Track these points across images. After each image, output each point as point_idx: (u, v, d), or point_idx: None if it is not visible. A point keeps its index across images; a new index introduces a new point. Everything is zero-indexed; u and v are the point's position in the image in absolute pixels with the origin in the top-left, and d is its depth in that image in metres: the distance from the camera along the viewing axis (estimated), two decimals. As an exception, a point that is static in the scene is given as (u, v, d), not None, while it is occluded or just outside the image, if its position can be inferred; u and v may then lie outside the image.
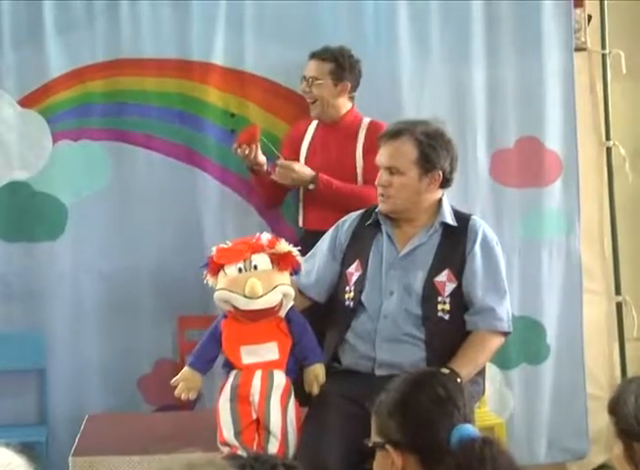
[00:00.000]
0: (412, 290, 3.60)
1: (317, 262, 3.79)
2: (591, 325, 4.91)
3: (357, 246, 3.74)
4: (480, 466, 2.03)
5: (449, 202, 3.75)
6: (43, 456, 4.24)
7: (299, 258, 3.50)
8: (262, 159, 4.44)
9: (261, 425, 3.37)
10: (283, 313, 3.49)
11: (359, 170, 4.43)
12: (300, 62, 4.48)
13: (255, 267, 3.42)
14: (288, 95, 4.61)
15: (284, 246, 3.47)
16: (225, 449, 3.36)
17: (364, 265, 3.68)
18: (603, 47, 4.99)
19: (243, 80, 4.63)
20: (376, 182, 3.72)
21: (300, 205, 4.56)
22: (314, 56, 4.48)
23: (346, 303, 3.68)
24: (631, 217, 5.16)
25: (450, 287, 3.60)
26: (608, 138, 5.02)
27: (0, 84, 4.49)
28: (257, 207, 4.64)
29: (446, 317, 3.59)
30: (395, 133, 3.66)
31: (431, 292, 3.59)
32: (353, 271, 3.70)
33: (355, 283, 3.67)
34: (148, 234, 4.56)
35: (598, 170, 5.05)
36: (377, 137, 3.86)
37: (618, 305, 5.04)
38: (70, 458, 3.49)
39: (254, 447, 3.34)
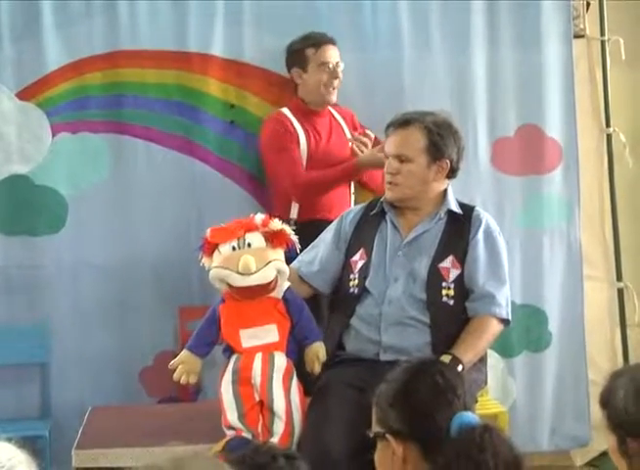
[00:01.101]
0: (417, 275, 3.62)
1: (321, 252, 3.81)
2: (593, 312, 4.91)
3: (361, 235, 3.76)
4: (480, 453, 2.03)
5: (453, 190, 3.77)
6: (46, 450, 4.24)
7: (294, 236, 3.50)
8: None
9: (265, 407, 3.39)
10: (279, 293, 3.49)
11: None
12: (300, 52, 4.48)
13: (249, 245, 3.44)
14: (287, 85, 4.60)
15: (277, 224, 3.49)
16: (230, 432, 3.37)
17: (368, 253, 3.70)
18: (602, 34, 4.97)
19: (242, 71, 4.62)
20: (384, 170, 3.74)
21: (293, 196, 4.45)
22: (329, 41, 4.46)
23: (351, 290, 3.69)
24: (632, 204, 5.15)
25: (454, 273, 3.63)
26: (608, 125, 5.00)
27: (-2, 78, 4.49)
28: (257, 197, 4.63)
29: (451, 303, 3.60)
30: (404, 122, 3.69)
31: (435, 277, 3.61)
32: (358, 259, 3.72)
33: (360, 270, 3.69)
34: (148, 226, 4.56)
35: (598, 157, 5.04)
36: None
37: (620, 292, 5.03)
38: (74, 451, 3.49)
39: (259, 429, 3.35)
